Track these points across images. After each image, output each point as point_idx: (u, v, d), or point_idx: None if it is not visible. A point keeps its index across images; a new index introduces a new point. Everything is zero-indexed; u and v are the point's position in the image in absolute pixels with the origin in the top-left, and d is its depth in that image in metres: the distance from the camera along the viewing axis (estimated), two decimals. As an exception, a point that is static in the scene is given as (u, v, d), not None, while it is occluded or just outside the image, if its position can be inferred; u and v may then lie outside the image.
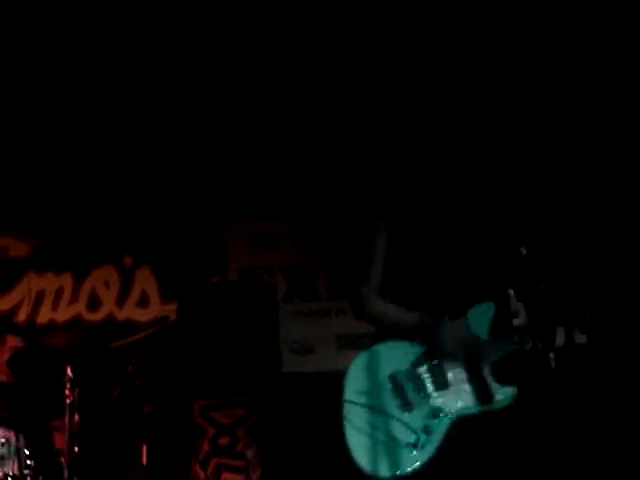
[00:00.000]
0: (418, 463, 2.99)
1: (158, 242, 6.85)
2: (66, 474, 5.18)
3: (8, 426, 5.22)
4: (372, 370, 3.15)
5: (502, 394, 3.04)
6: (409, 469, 3.00)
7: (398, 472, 2.99)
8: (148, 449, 5.43)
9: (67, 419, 5.21)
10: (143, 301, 6.85)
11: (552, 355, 2.84)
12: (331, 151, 6.46)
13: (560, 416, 3.33)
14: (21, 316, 6.81)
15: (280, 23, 5.47)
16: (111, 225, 6.90)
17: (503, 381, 3.06)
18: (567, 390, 3.03)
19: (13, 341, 5.88)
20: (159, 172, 6.72)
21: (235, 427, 6.06)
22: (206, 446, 6.10)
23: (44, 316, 6.83)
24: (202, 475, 6.04)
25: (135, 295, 6.87)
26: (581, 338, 3.03)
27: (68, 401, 5.24)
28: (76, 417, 5.30)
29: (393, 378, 3.12)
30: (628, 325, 4.25)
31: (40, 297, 6.86)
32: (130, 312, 6.83)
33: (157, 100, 6.14)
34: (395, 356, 3.16)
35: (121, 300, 6.85)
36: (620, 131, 5.89)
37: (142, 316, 6.79)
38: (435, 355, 3.13)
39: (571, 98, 5.86)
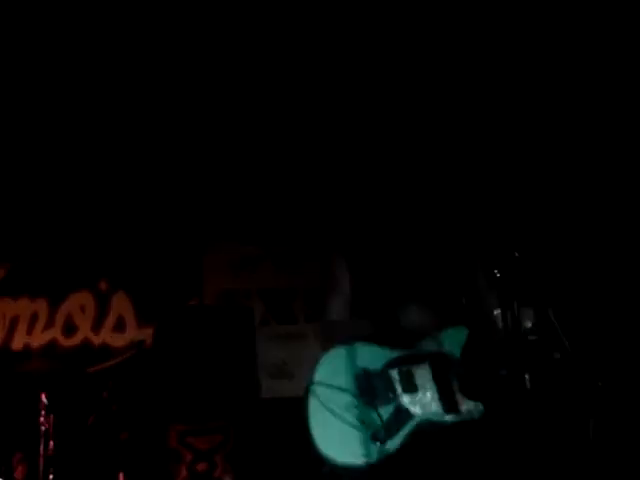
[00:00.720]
0: (377, 457, 3.07)
1: (134, 266, 6.82)
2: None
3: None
4: (346, 363, 3.25)
5: (467, 406, 3.19)
6: (366, 461, 3.07)
7: (355, 461, 3.07)
8: (125, 476, 5.36)
9: (42, 446, 5.15)
10: (119, 326, 6.80)
11: (527, 377, 2.93)
12: (310, 176, 6.46)
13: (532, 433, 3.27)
14: (-6, 342, 6.74)
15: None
16: (87, 250, 6.86)
17: (469, 395, 3.21)
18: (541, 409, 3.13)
19: None
20: (135, 196, 6.68)
21: (213, 453, 5.98)
22: (184, 472, 6.02)
23: (19, 342, 6.76)
24: (180, 501, 5.98)
25: (111, 320, 6.82)
26: (556, 354, 3.16)
27: (43, 428, 5.18)
28: (51, 444, 5.24)
29: (365, 374, 3.22)
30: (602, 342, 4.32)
31: (14, 322, 6.79)
32: (106, 337, 6.78)
33: (136, 121, 6.10)
34: (370, 356, 3.27)
35: (97, 325, 6.80)
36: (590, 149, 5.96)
37: (118, 341, 6.75)
38: (407, 362, 3.27)
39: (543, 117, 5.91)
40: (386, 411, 3.16)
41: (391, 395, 3.19)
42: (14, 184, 6.66)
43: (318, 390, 3.18)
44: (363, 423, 3.12)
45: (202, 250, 6.82)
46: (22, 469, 5.38)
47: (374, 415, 3.14)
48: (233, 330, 6.27)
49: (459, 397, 3.21)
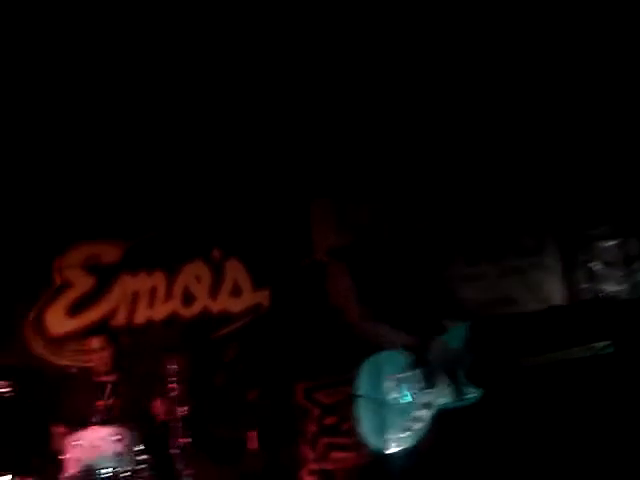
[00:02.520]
0: (410, 444, 3.94)
1: (244, 232, 6.90)
2: (179, 466, 5.28)
3: (121, 423, 5.35)
4: (376, 372, 4.14)
5: (472, 394, 3.94)
6: (404, 448, 3.95)
7: (395, 449, 3.96)
8: (257, 433, 5.47)
9: (176, 410, 5.31)
10: (236, 291, 6.91)
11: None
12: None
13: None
14: (119, 318, 6.96)
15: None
16: (197, 221, 6.98)
17: (473, 383, 3.95)
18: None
19: (95, 342, 6.02)
20: (238, 160, 6.77)
21: (339, 406, 6.05)
22: (313, 427, 6.12)
23: (141, 316, 6.97)
24: (311, 456, 6.07)
25: (227, 286, 6.93)
26: None
27: (174, 393, 5.33)
28: (184, 408, 5.40)
29: (392, 378, 4.06)
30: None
31: (136, 298, 7.00)
32: (224, 303, 6.90)
33: (229, 84, 6.19)
34: (393, 362, 4.11)
35: (214, 293, 6.93)
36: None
37: (236, 306, 6.85)
38: (424, 363, 4.04)
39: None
40: (411, 407, 3.99)
41: (414, 392, 4.01)
42: (120, 163, 6.87)
43: (361, 405, 4.13)
44: (394, 422, 3.96)
45: (309, 209, 6.84)
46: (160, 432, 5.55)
47: (403, 411, 3.98)
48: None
49: (464, 387, 3.94)
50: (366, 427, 4.09)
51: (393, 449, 3.97)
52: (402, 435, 3.96)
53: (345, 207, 6.82)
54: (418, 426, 3.95)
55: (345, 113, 6.43)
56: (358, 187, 6.57)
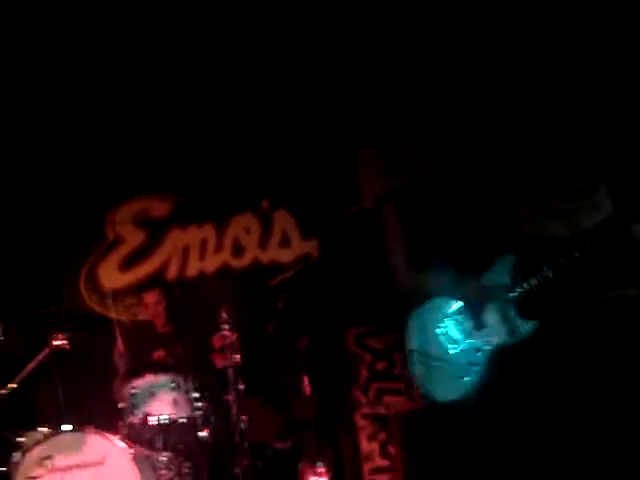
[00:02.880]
0: (467, 389, 3.83)
1: (292, 183, 6.90)
2: (234, 411, 5.38)
3: (177, 371, 5.45)
4: (425, 322, 4.05)
5: (526, 327, 3.78)
6: (461, 394, 3.85)
7: (453, 397, 3.88)
8: (309, 379, 5.54)
9: (229, 359, 5.39)
10: (285, 242, 6.95)
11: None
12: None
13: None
14: (171, 272, 7.05)
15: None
16: (245, 172, 7.00)
17: (526, 316, 3.78)
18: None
19: (149, 297, 6.12)
20: (283, 110, 6.76)
21: (390, 351, 6.10)
22: (364, 372, 6.17)
23: (193, 268, 7.05)
24: (364, 401, 6.13)
25: (276, 237, 6.97)
26: None
27: (227, 341, 5.42)
28: (237, 356, 5.48)
29: (442, 326, 3.96)
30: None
31: (186, 251, 7.08)
32: (274, 254, 6.95)
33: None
34: (440, 308, 4.01)
35: (263, 243, 6.98)
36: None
37: (286, 256, 6.90)
38: (471, 304, 3.91)
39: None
40: (465, 352, 3.88)
41: (465, 336, 3.89)
42: (166, 119, 6.91)
43: (413, 358, 4.05)
44: (448, 371, 3.88)
45: (356, 156, 6.80)
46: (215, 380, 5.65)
47: (457, 357, 3.88)
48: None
49: (518, 322, 3.79)
50: (420, 378, 4.05)
51: (449, 397, 3.90)
52: (457, 382, 3.87)
53: (393, 153, 6.77)
54: (473, 371, 3.84)
55: (388, 58, 6.36)
56: (406, 131, 6.53)
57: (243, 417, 5.38)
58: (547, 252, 3.88)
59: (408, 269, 4.16)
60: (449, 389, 3.91)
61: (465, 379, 3.86)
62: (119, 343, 6.00)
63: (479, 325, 3.90)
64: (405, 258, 4.18)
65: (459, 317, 3.97)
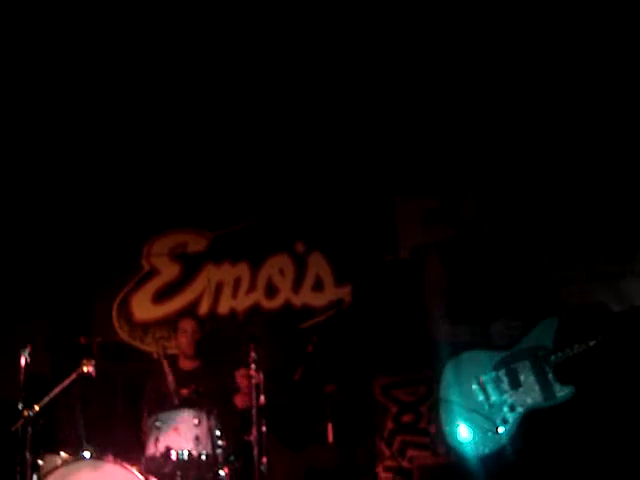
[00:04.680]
0: (498, 446, 3.82)
1: (328, 226, 6.93)
2: (255, 452, 5.31)
3: (200, 408, 5.42)
4: (461, 373, 3.99)
5: (562, 392, 3.81)
6: (491, 450, 3.83)
7: (483, 452, 3.84)
8: (333, 427, 5.48)
9: (253, 399, 5.34)
10: (318, 285, 6.94)
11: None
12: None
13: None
14: (203, 307, 7.07)
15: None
16: (282, 214, 7.05)
17: (563, 381, 3.81)
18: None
19: (188, 324, 6.12)
20: (323, 156, 6.80)
21: (417, 404, 6.03)
22: (390, 424, 6.10)
23: (224, 306, 7.06)
24: (388, 452, 6.05)
25: (310, 280, 6.97)
26: None
27: (254, 381, 5.37)
28: (262, 398, 5.43)
29: (477, 379, 3.93)
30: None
31: (219, 288, 7.09)
32: (306, 297, 6.94)
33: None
34: (478, 362, 3.98)
35: (297, 286, 6.97)
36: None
37: (318, 300, 6.88)
38: (510, 361, 3.92)
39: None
40: (498, 408, 3.86)
41: (501, 393, 3.88)
42: (206, 157, 6.99)
43: (444, 408, 3.96)
44: (480, 425, 3.85)
45: (394, 205, 6.82)
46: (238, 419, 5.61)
47: (490, 413, 3.85)
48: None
49: (555, 386, 3.81)
50: (448, 430, 3.98)
51: (477, 452, 3.87)
52: (486, 438, 3.86)
53: (435, 205, 6.77)
54: (503, 428, 3.84)
55: (434, 108, 6.40)
56: (448, 183, 6.53)
57: (264, 459, 5.31)
58: (592, 319, 3.89)
59: (444, 321, 4.12)
60: (477, 444, 3.88)
61: (493, 435, 3.84)
62: (147, 375, 6.01)
63: (515, 384, 3.89)
64: (443, 310, 4.14)
65: (496, 373, 3.95)
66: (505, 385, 3.90)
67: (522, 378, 3.89)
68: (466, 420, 3.91)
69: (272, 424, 5.48)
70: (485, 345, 3.99)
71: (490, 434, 3.84)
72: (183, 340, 6.09)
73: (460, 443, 3.92)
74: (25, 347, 5.38)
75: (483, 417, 3.88)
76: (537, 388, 3.85)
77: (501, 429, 3.83)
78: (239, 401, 5.77)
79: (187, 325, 6.12)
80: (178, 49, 6.05)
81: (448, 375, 4.07)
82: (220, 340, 6.54)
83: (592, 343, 3.81)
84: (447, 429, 3.97)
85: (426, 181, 6.62)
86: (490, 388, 3.93)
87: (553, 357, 3.87)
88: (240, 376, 5.65)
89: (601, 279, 6.05)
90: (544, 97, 6.21)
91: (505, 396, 3.89)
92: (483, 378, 3.96)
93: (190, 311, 6.87)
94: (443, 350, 4.16)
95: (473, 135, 6.39)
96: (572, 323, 3.96)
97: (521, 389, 3.87)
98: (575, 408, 3.83)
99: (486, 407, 3.90)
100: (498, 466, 3.84)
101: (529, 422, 3.84)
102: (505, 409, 3.87)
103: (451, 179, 6.26)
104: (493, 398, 3.90)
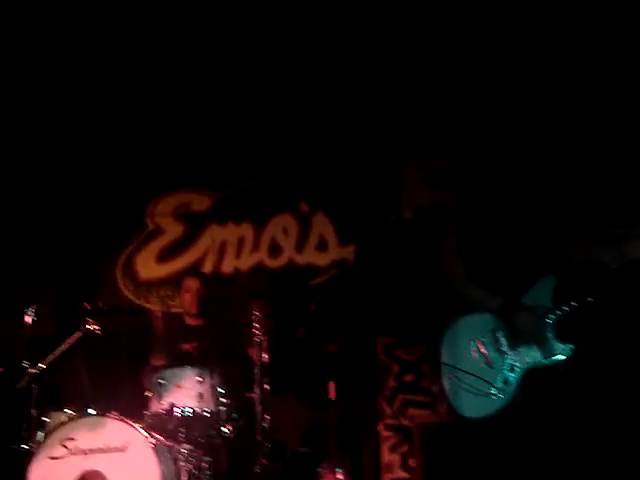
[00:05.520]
0: (499, 406, 3.87)
1: (332, 186, 6.91)
2: (258, 409, 5.37)
3: (203, 366, 5.46)
4: (461, 338, 4.07)
5: (562, 350, 3.82)
6: (489, 412, 3.89)
7: (481, 414, 3.91)
8: (335, 386, 5.51)
9: (256, 356, 5.38)
10: (322, 245, 6.95)
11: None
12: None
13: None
14: (207, 266, 7.09)
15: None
16: (286, 174, 7.03)
17: (563, 339, 3.83)
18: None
19: (192, 282, 6.15)
20: (328, 116, 6.77)
21: (419, 363, 6.06)
22: (391, 383, 6.13)
23: (229, 265, 7.08)
24: (389, 411, 6.09)
25: (313, 240, 6.98)
26: None
27: (257, 339, 5.41)
28: (265, 355, 5.47)
29: (476, 341, 4.01)
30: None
31: (223, 247, 7.11)
32: (310, 257, 6.96)
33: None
34: (477, 325, 4.04)
35: (300, 246, 6.99)
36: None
37: (322, 260, 6.90)
38: (508, 323, 3.95)
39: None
40: (499, 369, 3.91)
41: (500, 354, 3.93)
42: (212, 116, 6.97)
43: (448, 372, 4.07)
44: (482, 387, 3.91)
45: (399, 165, 6.79)
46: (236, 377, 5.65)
47: (491, 375, 3.90)
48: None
49: (555, 344, 3.83)
50: (450, 392, 4.06)
51: (478, 415, 3.93)
52: (486, 399, 3.90)
53: (439, 167, 6.75)
54: (504, 389, 3.87)
55: (439, 71, 6.35)
56: (452, 147, 6.51)
57: (266, 416, 5.36)
58: (590, 277, 3.88)
59: (468, 280, 4.16)
60: (478, 406, 3.93)
61: (495, 397, 3.88)
62: (154, 333, 6.06)
63: (514, 344, 3.92)
64: (462, 267, 4.19)
65: (495, 334, 3.98)
66: (504, 346, 3.93)
67: (523, 338, 3.89)
68: (466, 383, 3.97)
69: (276, 381, 5.54)
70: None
71: (491, 396, 3.88)
72: (187, 298, 6.13)
73: (460, 406, 3.99)
74: (30, 307, 5.42)
75: (483, 380, 3.92)
76: (536, 348, 3.86)
77: (503, 390, 3.85)
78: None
79: (191, 284, 6.16)
80: (177, 19, 6.03)
81: (448, 339, 4.15)
82: (224, 298, 6.58)
83: (589, 299, 3.81)
84: (449, 392, 4.05)
85: (432, 142, 6.59)
86: (489, 350, 3.97)
87: (552, 315, 3.87)
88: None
89: (604, 241, 6.04)
90: (546, 60, 6.15)
91: (505, 357, 3.91)
92: (482, 340, 4.00)
93: (195, 270, 6.90)
94: (448, 313, 4.20)
95: (477, 98, 6.34)
96: (570, 281, 3.95)
97: (520, 349, 3.89)
98: (575, 366, 3.83)
99: (486, 369, 3.93)
100: (499, 427, 3.87)
101: (530, 381, 3.86)
102: (506, 370, 3.89)
103: (457, 140, 6.29)
104: (493, 359, 3.94)
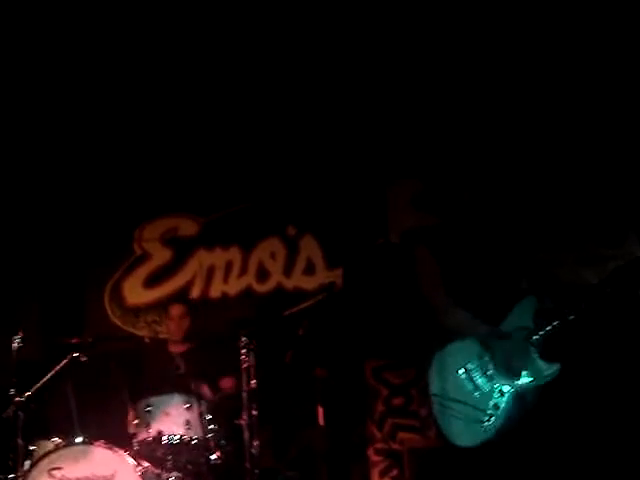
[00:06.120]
0: (492, 432, 3.81)
1: (319, 210, 6.92)
2: (246, 436, 5.33)
3: (190, 393, 5.44)
4: (447, 365, 4.03)
5: (549, 370, 3.79)
6: (479, 440, 3.84)
7: (471, 443, 3.86)
8: (324, 410, 5.49)
9: (244, 383, 5.35)
10: (309, 269, 6.95)
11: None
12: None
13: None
14: (195, 291, 7.08)
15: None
16: (272, 197, 7.04)
17: (549, 359, 3.80)
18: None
19: (175, 310, 6.14)
20: (313, 140, 6.79)
21: (408, 387, 6.05)
22: (380, 407, 6.12)
23: (216, 290, 7.07)
24: (378, 435, 6.08)
25: (301, 264, 6.97)
26: None
27: (244, 365, 5.38)
28: (253, 381, 5.44)
29: (463, 369, 3.95)
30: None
31: (211, 272, 7.10)
32: (298, 280, 6.94)
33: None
34: (462, 352, 4.00)
35: (288, 270, 6.98)
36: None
37: (309, 284, 6.89)
38: (492, 348, 3.92)
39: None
40: (488, 395, 3.86)
41: (489, 379, 3.89)
42: (197, 142, 6.97)
43: (436, 403, 4.03)
44: (472, 415, 3.85)
45: (385, 189, 6.81)
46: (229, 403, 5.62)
47: (481, 401, 3.86)
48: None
49: (542, 365, 3.79)
50: (439, 422, 4.02)
51: (467, 443, 3.89)
52: (476, 427, 3.85)
53: (423, 190, 6.77)
54: (495, 414, 3.83)
55: (425, 96, 6.38)
56: (436, 169, 6.53)
57: (255, 443, 5.33)
58: (569, 296, 3.87)
59: (449, 301, 4.14)
60: (468, 434, 3.89)
61: (485, 424, 3.84)
62: (141, 359, 6.04)
63: (502, 369, 3.89)
64: (444, 293, 4.16)
65: (482, 360, 3.95)
66: (491, 371, 3.90)
67: (510, 363, 3.86)
68: (455, 412, 3.94)
69: (263, 407, 5.51)
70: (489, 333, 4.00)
71: (481, 424, 3.84)
72: (171, 325, 6.13)
73: (450, 436, 3.95)
74: (16, 333, 5.39)
75: (473, 407, 3.88)
76: (524, 370, 3.83)
77: (494, 415, 3.82)
78: (231, 385, 5.79)
79: (174, 311, 6.16)
80: (170, 38, 6.04)
81: (435, 368, 4.12)
82: (212, 324, 6.56)
83: (571, 317, 3.78)
84: (437, 418, 4.02)
85: (414, 165, 6.62)
86: (477, 376, 3.93)
87: (535, 336, 3.84)
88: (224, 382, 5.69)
89: (591, 262, 6.07)
90: (531, 82, 6.19)
91: (493, 382, 3.89)
92: (469, 367, 3.97)
93: (179, 296, 6.89)
94: (434, 337, 4.19)
95: (461, 120, 6.37)
96: (557, 301, 3.95)
97: (508, 373, 3.86)
98: (563, 384, 3.83)
99: (476, 396, 3.90)
100: (490, 452, 3.84)
101: (519, 404, 3.83)
102: (495, 395, 3.86)
103: (435, 163, 6.32)
104: (481, 386, 3.91)
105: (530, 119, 6.31)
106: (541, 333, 3.83)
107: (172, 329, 6.14)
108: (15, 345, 5.34)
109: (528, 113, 6.32)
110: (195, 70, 6.42)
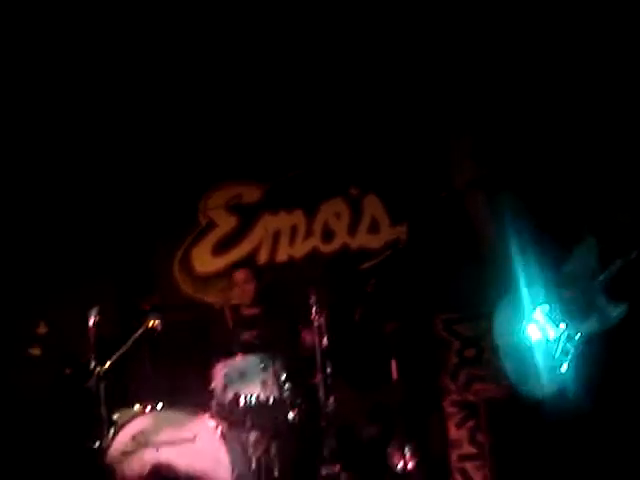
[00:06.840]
0: (558, 383, 3.78)
1: (381, 168, 6.88)
2: (321, 395, 5.40)
3: (264, 353, 5.52)
4: (512, 315, 4.06)
5: (616, 310, 3.70)
6: (552, 388, 3.82)
7: (543, 391, 3.86)
8: (397, 364, 5.52)
9: (316, 341, 5.41)
10: (374, 228, 6.95)
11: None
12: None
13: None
14: (262, 257, 7.15)
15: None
16: (333, 159, 7.03)
17: (616, 300, 3.71)
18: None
19: (239, 275, 6.22)
20: (375, 97, 6.75)
21: (479, 339, 6.01)
22: (453, 359, 6.10)
23: (283, 254, 7.13)
24: (453, 387, 6.06)
25: (365, 223, 6.97)
26: None
27: (315, 324, 5.44)
28: (324, 339, 5.50)
29: (530, 317, 3.95)
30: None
31: (277, 236, 7.16)
32: (363, 240, 6.96)
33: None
34: (528, 299, 4.01)
35: (353, 229, 6.99)
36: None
37: (374, 242, 6.90)
38: (557, 295, 3.90)
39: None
40: (557, 342, 3.84)
41: (558, 326, 3.85)
42: (260, 110, 7.00)
43: (503, 349, 4.12)
44: (542, 363, 3.85)
45: (447, 143, 6.72)
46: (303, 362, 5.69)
47: (550, 348, 3.85)
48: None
49: (608, 308, 3.73)
50: (510, 372, 4.05)
51: (540, 391, 3.88)
52: (549, 376, 3.83)
53: (484, 143, 6.67)
54: (565, 361, 3.79)
55: (486, 52, 6.28)
56: (498, 123, 6.43)
57: (330, 400, 5.39)
58: (630, 236, 3.80)
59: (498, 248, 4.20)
60: (540, 382, 3.88)
61: (556, 372, 3.81)
62: (214, 325, 6.15)
63: (568, 315, 3.86)
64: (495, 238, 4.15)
65: (547, 308, 3.92)
66: (558, 317, 3.86)
67: (576, 306, 3.83)
68: (524, 361, 3.94)
69: (337, 365, 5.57)
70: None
71: (552, 371, 3.82)
72: (237, 291, 6.22)
73: (522, 385, 3.97)
74: (93, 308, 5.54)
75: (543, 354, 3.87)
76: (592, 315, 3.78)
77: (565, 365, 3.78)
78: (307, 343, 5.82)
79: (238, 276, 6.25)
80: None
81: (501, 317, 4.20)
82: (281, 286, 6.63)
83: (634, 255, 3.71)
84: (509, 371, 4.08)
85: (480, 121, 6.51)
86: (545, 323, 3.90)
87: (600, 277, 3.79)
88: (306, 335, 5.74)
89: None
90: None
91: (560, 329, 3.85)
92: (536, 314, 3.94)
93: (243, 262, 6.96)
94: (501, 285, 4.16)
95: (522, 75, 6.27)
96: (611, 240, 3.87)
97: (576, 319, 3.82)
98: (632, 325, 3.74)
99: (544, 342, 3.87)
100: (561, 401, 3.83)
101: (589, 349, 3.80)
102: (563, 340, 3.83)
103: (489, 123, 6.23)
104: (550, 332, 3.88)
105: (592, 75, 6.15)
106: (606, 273, 3.77)
107: (238, 294, 6.22)
108: (92, 319, 5.49)
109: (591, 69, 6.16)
110: (251, 42, 6.44)
